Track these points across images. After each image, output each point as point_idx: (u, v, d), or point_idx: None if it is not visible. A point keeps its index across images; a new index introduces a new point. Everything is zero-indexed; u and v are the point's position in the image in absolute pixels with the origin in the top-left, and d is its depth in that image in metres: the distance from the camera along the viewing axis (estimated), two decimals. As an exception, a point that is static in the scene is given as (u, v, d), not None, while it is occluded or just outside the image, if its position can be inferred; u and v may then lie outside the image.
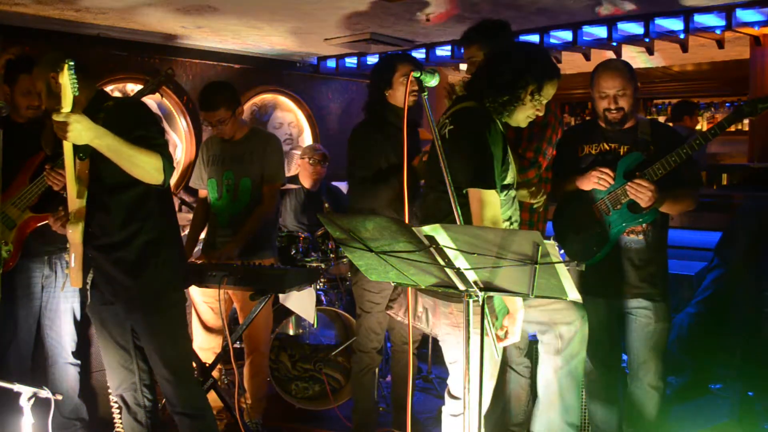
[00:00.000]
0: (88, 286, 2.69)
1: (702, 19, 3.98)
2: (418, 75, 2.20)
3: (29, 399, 2.28)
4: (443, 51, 5.08)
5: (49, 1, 3.88)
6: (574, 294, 1.86)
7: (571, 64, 5.37)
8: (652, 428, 3.02)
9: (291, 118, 6.23)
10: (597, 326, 3.02)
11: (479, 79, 2.48)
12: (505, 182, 2.43)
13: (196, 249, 3.88)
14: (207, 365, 3.35)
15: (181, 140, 5.45)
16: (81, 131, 2.29)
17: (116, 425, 3.03)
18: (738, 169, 5.29)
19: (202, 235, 3.87)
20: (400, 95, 3.35)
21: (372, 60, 5.53)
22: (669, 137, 2.98)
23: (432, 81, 2.23)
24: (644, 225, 2.92)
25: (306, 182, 4.84)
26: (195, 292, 3.68)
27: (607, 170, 2.86)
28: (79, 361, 3.40)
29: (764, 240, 3.79)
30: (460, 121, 2.44)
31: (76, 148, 2.43)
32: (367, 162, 3.35)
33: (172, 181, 4.74)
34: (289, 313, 3.86)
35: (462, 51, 3.20)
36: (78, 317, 3.37)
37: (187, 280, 2.97)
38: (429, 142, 2.44)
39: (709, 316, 4.08)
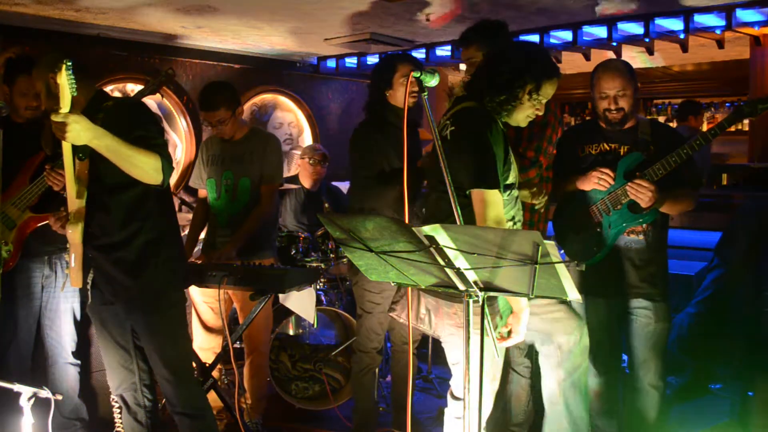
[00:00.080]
0: (88, 286, 2.69)
1: (702, 19, 3.98)
2: (418, 75, 2.20)
3: (29, 399, 2.28)
4: (443, 51, 5.09)
5: (49, 1, 3.88)
6: (574, 294, 1.86)
7: (571, 64, 5.38)
8: (652, 428, 3.02)
9: (291, 118, 6.23)
10: (597, 326, 3.02)
11: (479, 79, 2.48)
12: (508, 182, 2.43)
13: (196, 249, 3.88)
14: (207, 365, 3.35)
15: (181, 140, 5.45)
16: (79, 132, 2.29)
17: (116, 425, 3.03)
18: (738, 169, 5.29)
19: (202, 235, 3.87)
20: (400, 96, 3.35)
21: (372, 60, 5.53)
22: (669, 137, 2.98)
23: (432, 81, 2.22)
24: (644, 225, 2.92)
25: (306, 182, 4.84)
26: (195, 292, 3.68)
27: (607, 170, 2.86)
28: (79, 361, 3.40)
29: (764, 240, 3.79)
30: (460, 121, 2.44)
31: (76, 149, 2.43)
32: (367, 162, 3.36)
33: (172, 181, 4.74)
34: (289, 313, 3.86)
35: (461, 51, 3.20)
36: (78, 317, 3.37)
37: (187, 280, 2.97)
38: (429, 141, 2.44)
39: (709, 316, 4.08)
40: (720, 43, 4.60)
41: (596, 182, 2.88)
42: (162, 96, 4.18)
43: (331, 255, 4.31)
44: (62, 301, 3.31)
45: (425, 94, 2.21)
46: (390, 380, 3.87)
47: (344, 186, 4.90)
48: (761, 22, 3.98)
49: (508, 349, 2.67)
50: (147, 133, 2.49)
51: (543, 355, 2.73)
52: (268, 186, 3.66)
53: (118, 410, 2.92)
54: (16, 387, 2.30)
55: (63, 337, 3.33)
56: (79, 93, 2.39)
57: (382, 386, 4.21)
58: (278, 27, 4.60)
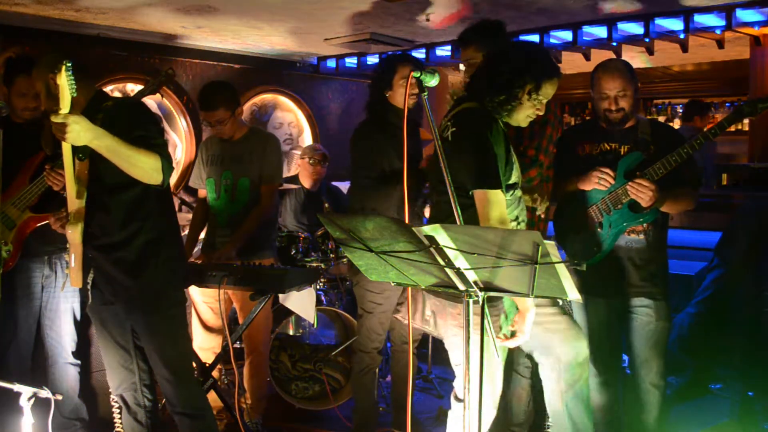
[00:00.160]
0: (88, 286, 2.69)
1: (702, 19, 3.99)
2: (418, 75, 2.19)
3: (29, 399, 2.28)
4: (443, 51, 5.09)
5: (49, 1, 3.88)
6: (574, 294, 1.86)
7: (571, 64, 5.38)
8: (652, 428, 3.02)
9: (291, 118, 6.23)
10: (597, 326, 3.02)
11: (479, 79, 2.48)
12: (510, 182, 2.42)
13: (196, 249, 3.88)
14: (207, 365, 3.35)
15: (181, 140, 5.45)
16: (79, 132, 2.28)
17: (116, 425, 3.03)
18: (738, 169, 5.30)
19: (202, 235, 3.87)
20: (399, 96, 3.35)
21: (372, 60, 5.54)
22: (669, 137, 2.98)
23: (432, 81, 2.22)
24: (645, 225, 2.92)
25: (306, 182, 4.84)
26: (195, 292, 3.68)
27: (607, 170, 2.86)
28: (79, 361, 3.40)
29: (764, 240, 3.79)
30: (461, 122, 2.45)
31: (75, 149, 2.43)
32: (368, 162, 3.36)
33: (172, 181, 4.74)
34: (289, 313, 3.86)
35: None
36: (78, 317, 3.37)
37: (187, 279, 2.97)
38: (430, 142, 2.44)
39: (709, 316, 4.08)
40: (720, 43, 4.60)
41: (597, 182, 2.88)
42: (162, 96, 4.18)
43: (331, 255, 4.31)
44: (62, 301, 3.31)
45: (425, 94, 2.21)
46: (390, 380, 3.87)
47: (344, 186, 4.90)
48: (761, 22, 3.98)
49: (511, 350, 2.66)
50: (147, 133, 2.49)
51: (543, 367, 2.72)
52: (267, 186, 3.66)
53: (118, 410, 2.92)
54: (16, 387, 2.30)
55: (63, 337, 3.33)
56: (79, 93, 2.39)
57: (382, 386, 4.21)
58: (278, 27, 4.60)
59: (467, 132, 2.40)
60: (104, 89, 3.75)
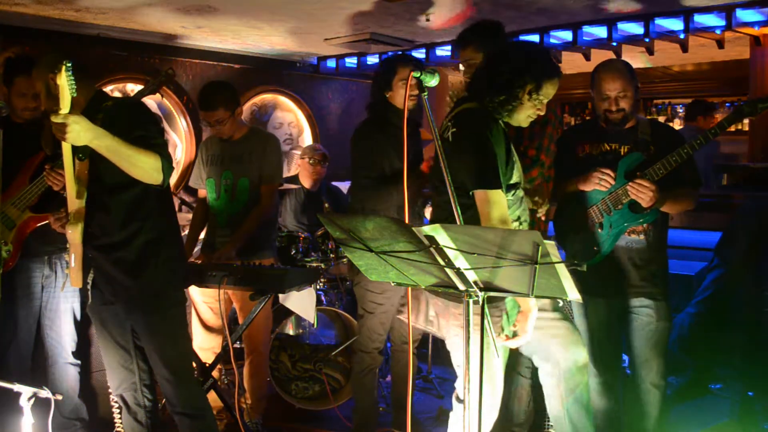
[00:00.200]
0: (88, 286, 2.69)
1: (702, 19, 3.99)
2: (419, 75, 2.19)
3: (29, 399, 2.28)
4: (443, 51, 5.09)
5: (49, 1, 3.88)
6: (574, 294, 1.86)
7: (571, 64, 5.38)
8: (652, 427, 3.02)
9: (291, 118, 6.23)
10: (597, 326, 3.02)
11: (479, 79, 2.48)
12: (512, 182, 2.42)
13: (196, 249, 3.88)
14: (207, 365, 3.35)
15: (181, 140, 5.45)
16: (79, 132, 2.29)
17: (116, 425, 3.03)
18: (738, 169, 5.29)
19: (202, 235, 3.87)
20: (400, 97, 3.35)
21: (372, 60, 5.54)
22: (669, 137, 2.98)
23: (432, 81, 2.22)
24: (645, 225, 2.92)
25: (306, 182, 4.84)
26: (195, 292, 3.68)
27: (608, 171, 2.86)
28: (79, 361, 3.40)
29: (764, 240, 3.79)
30: (461, 122, 2.45)
31: (75, 149, 2.43)
32: (368, 162, 3.36)
33: (172, 181, 4.74)
34: (289, 313, 3.85)
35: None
36: (78, 317, 3.37)
37: (187, 279, 2.97)
38: (430, 142, 2.44)
39: (709, 316, 4.08)
40: (720, 43, 4.60)
41: (597, 182, 2.88)
42: (162, 96, 4.18)
43: (331, 255, 4.31)
44: (62, 301, 3.31)
45: (425, 94, 2.21)
46: (390, 380, 3.87)
47: (344, 186, 4.90)
48: (761, 22, 3.98)
49: (512, 351, 2.66)
50: (147, 133, 2.49)
51: (543, 372, 2.72)
52: (267, 186, 3.66)
53: (118, 410, 2.92)
54: (16, 387, 2.30)
55: (63, 337, 3.33)
56: (79, 93, 2.39)
57: (382, 386, 4.21)
58: (278, 27, 4.60)
59: (467, 132, 2.40)
60: (104, 89, 3.76)
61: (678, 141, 2.91)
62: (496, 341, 2.31)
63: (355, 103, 6.46)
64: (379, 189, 3.32)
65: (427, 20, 4.20)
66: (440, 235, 1.75)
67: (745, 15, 3.89)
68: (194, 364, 3.20)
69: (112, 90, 5.01)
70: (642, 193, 2.77)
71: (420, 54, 5.17)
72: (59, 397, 2.41)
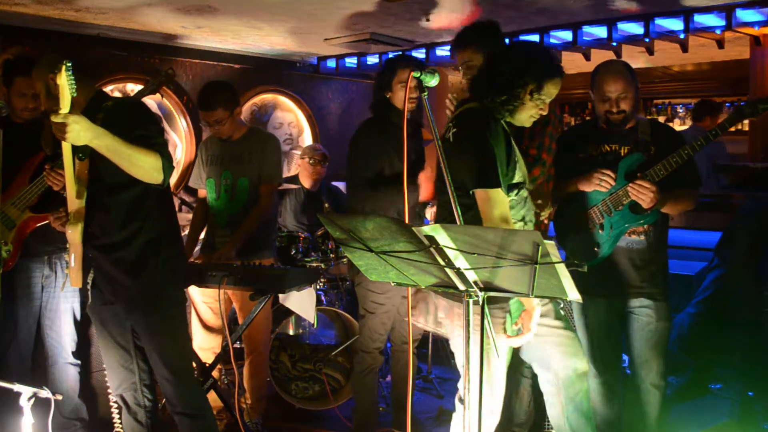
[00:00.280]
0: (88, 286, 2.69)
1: (702, 19, 3.99)
2: (418, 75, 2.20)
3: (29, 399, 2.28)
4: (443, 51, 5.09)
5: (49, 1, 3.88)
6: (574, 294, 1.86)
7: (571, 64, 5.37)
8: (652, 428, 3.01)
9: (291, 118, 6.23)
10: (597, 326, 3.02)
11: (480, 80, 2.49)
12: (514, 181, 2.42)
13: (196, 249, 3.88)
14: (207, 365, 3.35)
15: (181, 140, 5.45)
16: (79, 132, 2.28)
17: (115, 425, 3.03)
18: (738, 169, 5.29)
19: (202, 235, 3.87)
20: (399, 99, 3.35)
21: (372, 60, 5.54)
22: (669, 137, 2.97)
23: (432, 81, 2.22)
24: (646, 225, 2.91)
25: (306, 182, 4.84)
26: (194, 292, 3.68)
27: (608, 172, 2.86)
28: (79, 361, 3.40)
29: (764, 240, 3.79)
30: (462, 122, 2.46)
31: (75, 149, 2.43)
32: (368, 162, 3.35)
33: (172, 181, 4.74)
34: (289, 313, 3.85)
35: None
36: (78, 317, 3.37)
37: (187, 279, 2.97)
38: (430, 142, 2.45)
39: (709, 316, 4.08)
40: (720, 43, 4.60)
41: (597, 183, 2.88)
42: (162, 96, 4.18)
43: (331, 255, 4.31)
44: (62, 301, 3.31)
45: (425, 94, 2.21)
46: (390, 380, 3.87)
47: (344, 186, 4.90)
48: (761, 22, 3.98)
49: (515, 353, 2.66)
50: (147, 133, 2.49)
51: (542, 380, 2.71)
52: (267, 186, 3.66)
53: (117, 410, 2.92)
54: (16, 387, 2.30)
55: (63, 337, 3.33)
56: (79, 93, 2.39)
57: (382, 386, 4.21)
58: (278, 27, 4.60)
59: (467, 132, 2.41)
60: (104, 89, 3.75)
61: (678, 141, 2.91)
62: (497, 341, 2.31)
63: (355, 103, 6.46)
64: (378, 189, 3.32)
65: (427, 20, 4.20)
66: (440, 235, 1.75)
67: (745, 15, 3.89)
68: (194, 364, 3.20)
69: (112, 90, 5.01)
70: (643, 194, 2.77)
71: (420, 54, 5.17)
72: (59, 397, 2.41)
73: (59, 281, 3.29)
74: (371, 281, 3.27)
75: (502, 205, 2.32)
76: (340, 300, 4.50)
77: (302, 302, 3.44)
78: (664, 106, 8.04)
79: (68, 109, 2.31)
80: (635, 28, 4.21)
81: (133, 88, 5.11)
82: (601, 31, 4.30)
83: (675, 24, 4.09)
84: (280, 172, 3.78)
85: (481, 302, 1.93)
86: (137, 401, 2.80)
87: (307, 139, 6.27)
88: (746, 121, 5.81)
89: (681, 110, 7.91)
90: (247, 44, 5.25)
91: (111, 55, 4.95)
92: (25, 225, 3.12)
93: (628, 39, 4.37)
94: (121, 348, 2.75)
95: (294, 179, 4.90)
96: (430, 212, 3.88)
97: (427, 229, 1.75)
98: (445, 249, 1.78)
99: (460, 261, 1.82)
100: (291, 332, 4.20)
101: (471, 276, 1.88)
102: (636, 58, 5.31)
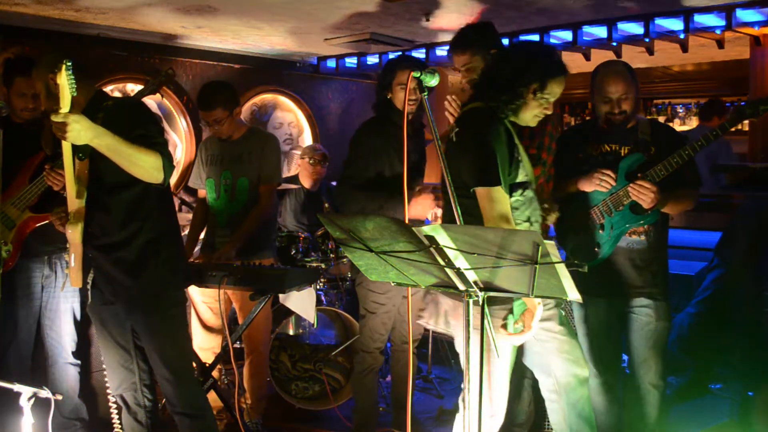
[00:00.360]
0: (88, 286, 2.69)
1: (702, 19, 3.98)
2: (419, 75, 2.20)
3: (29, 399, 2.28)
4: (443, 51, 5.08)
5: (49, 1, 3.88)
6: (574, 294, 1.86)
7: (571, 64, 5.32)
8: (652, 428, 3.01)
9: (291, 118, 6.23)
10: (598, 326, 3.02)
11: (484, 80, 2.50)
12: (518, 180, 2.42)
13: (196, 249, 3.88)
14: (207, 365, 3.35)
15: (181, 140, 5.45)
16: (80, 131, 2.29)
17: (115, 425, 3.03)
18: (738, 169, 5.29)
19: (202, 235, 3.87)
20: (399, 100, 3.35)
21: (372, 60, 5.53)
22: (669, 137, 2.98)
23: (432, 81, 2.22)
24: (646, 226, 2.91)
25: (306, 182, 4.84)
26: (194, 292, 3.68)
27: (608, 172, 2.86)
28: (79, 361, 3.40)
29: (764, 240, 3.78)
30: (465, 122, 2.48)
31: (75, 148, 2.43)
32: (369, 162, 3.35)
33: (172, 181, 4.74)
34: (289, 313, 3.86)
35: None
36: (78, 317, 3.37)
37: (187, 279, 2.97)
38: (431, 142, 2.45)
39: (709, 316, 4.08)
40: (720, 43, 4.60)
41: (598, 183, 2.88)
42: (162, 96, 4.18)
43: (331, 255, 4.31)
44: (62, 301, 3.31)
45: (425, 94, 2.21)
46: (390, 380, 3.87)
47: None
48: (761, 22, 3.98)
49: (518, 355, 2.66)
50: (147, 132, 2.49)
51: (543, 386, 2.71)
52: (266, 186, 3.67)
53: (116, 411, 2.91)
54: (16, 387, 2.30)
55: (63, 337, 3.33)
56: (79, 93, 2.39)
57: (382, 386, 4.21)
58: (278, 27, 4.59)
59: (469, 132, 2.43)
60: (104, 89, 3.75)
61: (678, 141, 2.91)
62: (497, 340, 2.31)
63: (355, 103, 6.46)
64: (378, 188, 3.32)
65: (427, 20, 4.20)
66: (440, 235, 1.76)
67: (745, 15, 3.88)
68: (194, 364, 3.20)
69: (112, 90, 5.01)
70: (643, 194, 2.77)
71: (420, 54, 5.17)
72: (59, 397, 2.41)
73: (59, 281, 3.29)
74: (372, 281, 3.27)
75: (503, 203, 2.32)
76: (340, 300, 4.50)
77: (302, 302, 3.44)
78: (664, 106, 8.04)
79: (68, 108, 2.31)
80: (635, 28, 4.21)
81: (133, 88, 5.11)
82: (601, 31, 4.29)
83: (675, 24, 4.09)
84: (280, 172, 3.78)
85: (481, 302, 1.93)
86: (137, 401, 2.80)
87: (307, 139, 6.27)
88: (746, 121, 5.81)
89: (681, 110, 7.91)
90: (247, 44, 5.24)
91: (111, 55, 4.95)
92: (25, 225, 3.12)
93: (628, 39, 4.37)
94: (121, 348, 2.75)
95: (294, 179, 4.90)
96: (431, 213, 3.88)
97: (427, 229, 1.75)
98: (445, 249, 1.79)
99: (460, 261, 1.82)
100: (291, 332, 4.20)
101: (471, 276, 1.88)
102: (636, 58, 5.31)
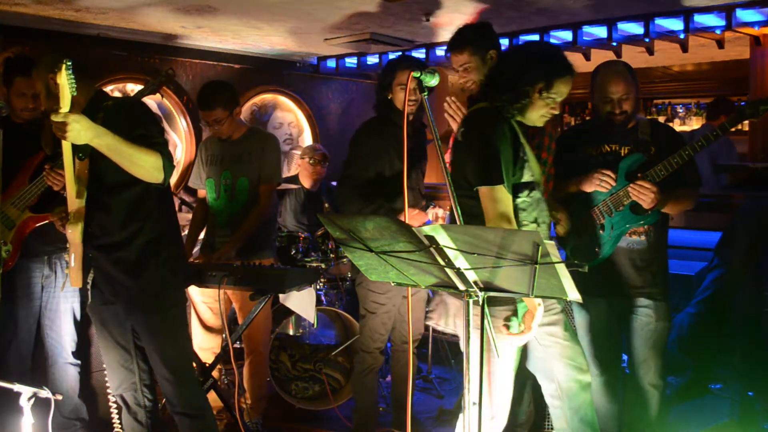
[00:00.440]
0: (88, 286, 2.69)
1: (702, 19, 3.98)
2: (418, 75, 2.20)
3: (29, 399, 2.28)
4: (443, 51, 5.08)
5: (49, 1, 3.88)
6: (574, 294, 1.86)
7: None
8: (652, 428, 3.01)
9: (291, 118, 6.22)
10: (598, 326, 3.02)
11: (490, 80, 2.52)
12: (524, 180, 2.42)
13: (195, 249, 3.88)
14: (207, 365, 3.35)
15: (181, 140, 5.45)
16: (80, 131, 2.28)
17: (115, 425, 3.03)
18: (738, 169, 5.29)
19: (202, 235, 3.87)
20: (399, 101, 3.35)
21: (372, 60, 5.53)
22: (669, 137, 2.98)
23: (432, 81, 2.23)
24: (646, 226, 2.91)
25: (306, 182, 4.84)
26: (194, 292, 3.68)
27: (609, 172, 2.86)
28: (79, 361, 3.40)
29: (764, 240, 3.78)
30: (470, 122, 2.49)
31: (76, 148, 2.43)
32: (369, 162, 3.35)
33: (172, 181, 4.74)
34: (289, 313, 3.86)
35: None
36: (78, 317, 3.37)
37: (188, 279, 2.97)
38: (431, 141, 2.45)
39: (709, 316, 4.08)
40: (720, 43, 4.60)
41: (598, 184, 2.88)
42: (162, 96, 4.18)
43: (331, 255, 4.31)
44: (62, 301, 3.32)
45: (425, 94, 2.22)
46: (390, 380, 3.87)
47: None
48: (761, 22, 3.98)
49: (523, 361, 2.66)
50: (147, 132, 2.49)
51: (546, 392, 2.71)
52: (266, 186, 3.66)
53: (117, 410, 2.92)
54: (16, 387, 2.30)
55: (63, 337, 3.33)
56: (79, 93, 2.39)
57: (382, 386, 4.21)
58: (278, 27, 4.59)
59: (474, 132, 2.44)
60: (104, 89, 3.75)
61: (678, 141, 2.91)
62: (497, 340, 2.31)
63: (355, 103, 6.46)
64: (372, 190, 3.32)
65: (427, 20, 4.20)
66: (440, 235, 1.75)
67: (745, 15, 3.88)
68: (194, 364, 3.20)
69: (112, 90, 5.01)
70: (643, 194, 2.77)
71: (420, 54, 5.17)
72: (59, 397, 2.41)
73: (59, 281, 3.29)
74: (372, 281, 3.28)
75: (505, 203, 2.32)
76: (340, 300, 4.50)
77: (302, 302, 3.44)
78: (664, 106, 8.04)
79: (68, 108, 2.31)
80: (635, 28, 4.21)
81: (133, 88, 5.11)
82: (601, 31, 4.29)
83: (675, 24, 4.09)
84: (280, 172, 3.78)
85: (481, 302, 1.93)
86: (137, 401, 2.80)
87: (307, 139, 6.27)
88: (746, 121, 5.80)
89: (681, 110, 7.91)
90: (247, 44, 5.24)
91: (111, 55, 4.95)
92: (24, 225, 3.12)
93: (628, 39, 4.36)
94: (121, 348, 2.75)
95: (294, 179, 4.90)
96: (431, 212, 3.88)
97: (427, 229, 1.75)
98: (445, 249, 1.79)
99: (460, 261, 1.82)
100: (291, 332, 4.20)
101: (471, 276, 1.88)
102: (636, 58, 5.30)
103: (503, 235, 1.78)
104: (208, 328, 3.76)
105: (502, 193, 2.32)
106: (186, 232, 3.81)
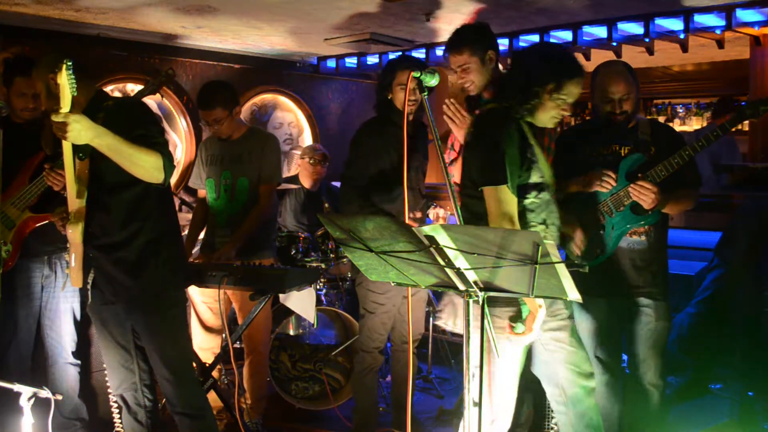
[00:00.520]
0: (88, 286, 2.69)
1: (702, 19, 3.98)
2: (418, 75, 2.20)
3: (29, 399, 2.28)
4: (443, 51, 5.08)
5: (49, 1, 3.88)
6: (574, 294, 1.86)
7: (572, 64, 5.36)
8: (652, 427, 3.01)
9: (291, 118, 6.23)
10: (598, 326, 3.02)
11: (501, 81, 2.53)
12: (531, 181, 2.41)
13: (195, 249, 3.88)
14: (207, 365, 3.35)
15: (181, 140, 5.45)
16: (80, 131, 2.29)
17: (115, 425, 3.03)
18: (738, 169, 5.29)
19: (202, 235, 3.87)
20: (399, 101, 3.35)
21: (372, 60, 5.54)
22: (669, 137, 2.98)
23: (432, 81, 2.23)
24: (647, 226, 2.91)
25: (306, 182, 4.84)
26: (194, 292, 3.68)
27: (609, 172, 2.86)
28: (79, 361, 3.40)
29: (764, 240, 3.78)
30: (479, 122, 2.50)
31: (76, 148, 2.43)
32: (370, 162, 3.35)
33: (172, 181, 4.74)
34: (289, 313, 3.85)
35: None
36: (78, 317, 3.37)
37: (188, 279, 2.97)
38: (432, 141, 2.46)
39: (709, 316, 4.08)
40: (720, 43, 4.60)
41: (598, 184, 2.88)
42: (162, 96, 4.18)
43: (331, 255, 4.31)
44: (62, 301, 3.31)
45: (425, 94, 2.22)
46: (390, 380, 3.87)
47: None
48: (761, 22, 3.98)
49: (528, 362, 2.66)
50: (148, 132, 2.49)
51: (550, 396, 2.71)
52: (266, 186, 3.66)
53: (118, 410, 2.92)
54: (16, 387, 2.30)
55: (63, 337, 3.33)
56: (79, 93, 2.39)
57: (382, 386, 4.21)
58: (278, 27, 4.59)
59: (482, 133, 2.45)
60: (104, 89, 3.75)
61: (678, 141, 2.91)
62: (498, 341, 2.31)
63: (355, 103, 6.46)
64: (372, 190, 3.32)
65: (427, 21, 4.20)
66: (440, 235, 1.76)
67: (745, 15, 3.88)
68: (194, 364, 3.20)
69: (112, 90, 5.01)
70: (644, 195, 2.77)
71: (420, 54, 5.17)
72: (59, 397, 2.41)
73: (59, 281, 3.29)
74: (372, 281, 3.28)
75: (508, 203, 2.32)
76: (340, 300, 4.50)
77: (302, 302, 3.44)
78: (664, 106, 8.04)
79: (69, 108, 2.31)
80: (635, 28, 4.21)
81: (133, 88, 5.11)
82: (601, 31, 4.30)
83: (675, 24, 4.09)
84: (280, 172, 3.78)
85: (481, 302, 1.93)
86: (137, 401, 2.80)
87: (307, 139, 6.27)
88: (746, 121, 5.80)
89: (681, 110, 7.91)
90: (247, 44, 5.24)
91: (111, 55, 4.95)
92: (24, 225, 3.12)
93: (628, 39, 4.37)
94: (122, 348, 2.75)
95: (294, 179, 4.90)
96: (432, 212, 3.88)
97: (427, 229, 1.75)
98: (445, 249, 1.79)
99: (460, 261, 1.82)
100: (291, 332, 4.20)
101: (471, 276, 1.88)
102: (636, 58, 5.31)
103: (503, 235, 1.78)
104: (208, 328, 3.76)
105: (506, 193, 2.32)
106: (186, 232, 3.81)
